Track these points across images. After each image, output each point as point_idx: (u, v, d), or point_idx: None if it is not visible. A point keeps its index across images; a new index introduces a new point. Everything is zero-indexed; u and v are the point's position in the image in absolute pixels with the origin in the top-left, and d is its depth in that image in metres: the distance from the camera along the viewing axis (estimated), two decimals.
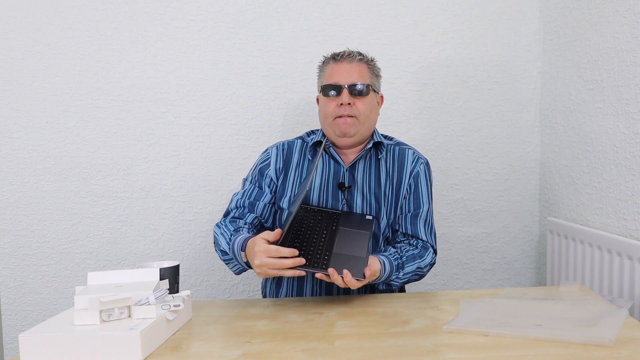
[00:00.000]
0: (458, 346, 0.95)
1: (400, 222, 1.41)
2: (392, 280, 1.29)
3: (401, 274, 1.30)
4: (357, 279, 1.14)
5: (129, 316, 0.99)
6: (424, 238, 1.41)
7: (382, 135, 1.52)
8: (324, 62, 1.47)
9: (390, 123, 1.87)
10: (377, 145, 1.46)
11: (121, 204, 1.86)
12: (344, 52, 1.43)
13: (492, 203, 1.93)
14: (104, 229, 1.87)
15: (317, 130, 1.51)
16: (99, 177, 1.85)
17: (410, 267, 1.32)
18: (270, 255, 1.12)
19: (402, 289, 1.57)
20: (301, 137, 1.51)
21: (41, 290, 1.87)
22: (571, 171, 1.70)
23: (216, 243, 1.34)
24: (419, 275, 1.36)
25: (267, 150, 1.50)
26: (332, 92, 1.39)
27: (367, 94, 1.40)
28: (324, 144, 1.42)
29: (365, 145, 1.45)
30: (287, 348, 0.97)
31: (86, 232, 1.86)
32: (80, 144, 1.84)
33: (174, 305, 1.03)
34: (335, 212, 1.34)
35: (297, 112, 1.87)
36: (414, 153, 1.47)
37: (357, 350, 0.95)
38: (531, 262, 1.95)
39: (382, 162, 1.45)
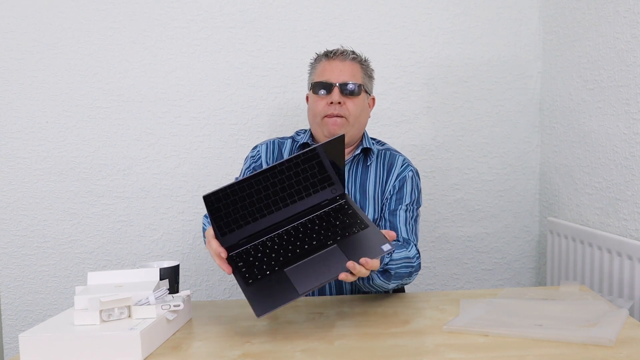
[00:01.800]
0: (458, 346, 0.95)
1: (380, 222, 1.37)
2: (387, 266, 1.16)
3: (395, 256, 1.18)
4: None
5: (129, 316, 0.99)
6: (404, 235, 1.32)
7: (372, 139, 1.48)
8: (315, 59, 1.43)
9: (390, 123, 1.87)
10: (366, 152, 1.41)
11: (121, 204, 1.86)
12: (337, 49, 1.39)
13: (492, 203, 1.93)
14: (104, 229, 1.87)
15: (307, 129, 1.47)
16: (99, 177, 1.85)
17: (398, 254, 1.20)
18: (208, 242, 1.06)
19: (401, 289, 1.57)
20: (292, 137, 1.48)
21: (41, 290, 1.87)
22: (571, 171, 1.70)
23: (204, 232, 1.25)
24: (408, 267, 1.22)
25: (256, 147, 1.46)
26: (323, 91, 1.35)
27: (358, 94, 1.36)
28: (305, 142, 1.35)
29: (354, 151, 1.41)
30: (287, 348, 0.97)
31: (86, 232, 1.86)
32: (80, 144, 1.84)
33: (174, 305, 1.03)
34: (361, 223, 1.08)
35: (297, 112, 1.87)
36: (404, 160, 1.43)
37: (357, 351, 0.94)
38: (531, 262, 1.95)
39: (371, 169, 1.41)
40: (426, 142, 1.89)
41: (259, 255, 1.05)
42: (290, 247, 1.05)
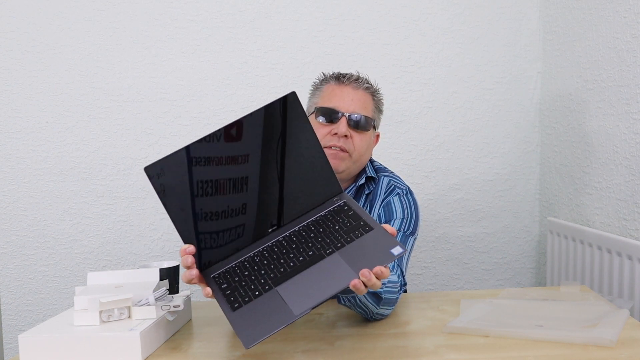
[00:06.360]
0: (458, 347, 0.95)
1: None
2: (385, 287, 1.03)
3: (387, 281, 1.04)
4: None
5: (129, 317, 0.99)
6: None
7: (376, 165, 1.34)
8: (322, 80, 1.27)
9: (390, 123, 1.87)
10: (367, 180, 1.29)
11: (121, 204, 1.86)
12: (351, 75, 1.24)
13: (492, 203, 1.92)
14: (104, 229, 1.86)
15: None
16: (99, 177, 1.85)
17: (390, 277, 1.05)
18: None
19: None
20: None
21: (41, 290, 1.86)
22: (571, 171, 1.70)
23: None
24: (394, 293, 1.06)
25: None
26: (327, 118, 1.20)
27: (367, 129, 1.22)
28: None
29: (355, 181, 1.28)
30: (287, 349, 0.96)
31: (86, 232, 1.86)
32: (80, 144, 1.84)
33: (174, 306, 1.03)
34: (364, 225, 0.93)
35: None
36: (389, 181, 1.28)
37: (357, 351, 0.94)
38: (531, 262, 1.95)
39: (368, 199, 1.28)
40: (426, 142, 1.89)
41: (246, 274, 0.90)
42: (282, 261, 0.90)
